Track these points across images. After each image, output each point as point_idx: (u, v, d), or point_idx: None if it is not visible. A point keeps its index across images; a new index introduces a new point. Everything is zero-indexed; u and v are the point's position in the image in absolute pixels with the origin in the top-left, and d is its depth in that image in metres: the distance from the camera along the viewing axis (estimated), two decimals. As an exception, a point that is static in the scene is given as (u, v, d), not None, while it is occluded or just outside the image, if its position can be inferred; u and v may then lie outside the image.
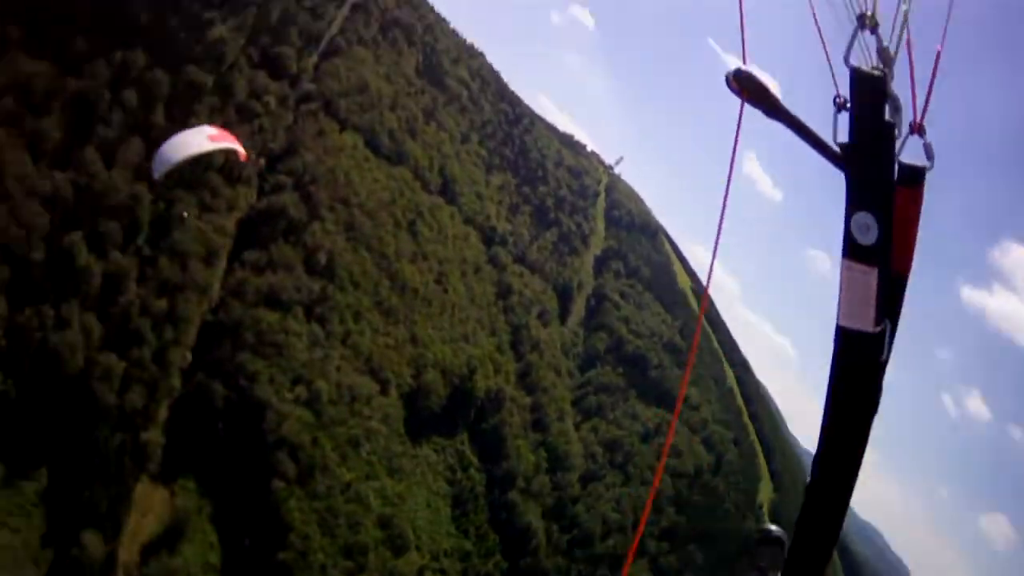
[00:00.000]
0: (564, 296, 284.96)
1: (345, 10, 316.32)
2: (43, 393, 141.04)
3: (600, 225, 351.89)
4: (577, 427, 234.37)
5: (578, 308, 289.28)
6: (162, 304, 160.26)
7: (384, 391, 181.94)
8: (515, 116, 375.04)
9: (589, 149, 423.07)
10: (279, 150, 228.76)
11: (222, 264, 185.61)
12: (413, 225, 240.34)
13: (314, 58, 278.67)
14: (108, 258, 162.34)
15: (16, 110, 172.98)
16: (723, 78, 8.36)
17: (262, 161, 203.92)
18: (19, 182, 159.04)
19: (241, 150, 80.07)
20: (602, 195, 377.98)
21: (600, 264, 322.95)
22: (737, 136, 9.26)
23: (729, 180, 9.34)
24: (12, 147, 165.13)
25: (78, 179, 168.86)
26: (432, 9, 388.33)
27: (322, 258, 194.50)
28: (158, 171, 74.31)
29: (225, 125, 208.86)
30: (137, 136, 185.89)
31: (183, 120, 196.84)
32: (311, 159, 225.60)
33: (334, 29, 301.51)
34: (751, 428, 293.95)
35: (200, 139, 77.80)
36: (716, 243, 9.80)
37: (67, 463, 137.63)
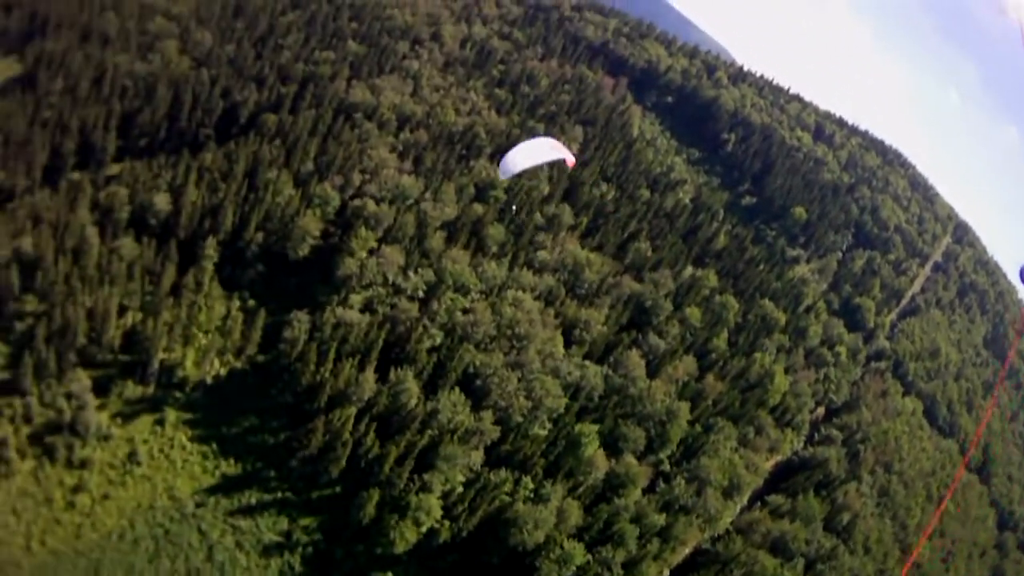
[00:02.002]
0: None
1: (927, 269, 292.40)
2: (477, 546, 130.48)
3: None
4: None
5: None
6: (659, 519, 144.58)
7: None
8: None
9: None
10: (839, 403, 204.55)
11: (741, 501, 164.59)
12: (942, 501, 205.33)
13: (892, 315, 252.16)
14: (620, 459, 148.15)
15: (561, 295, 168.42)
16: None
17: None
18: (542, 359, 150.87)
19: (571, 159, 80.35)
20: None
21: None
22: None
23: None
24: (546, 325, 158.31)
25: (613, 377, 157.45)
26: (1004, 275, 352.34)
27: (845, 518, 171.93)
28: (505, 174, 77.73)
29: (791, 368, 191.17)
30: (692, 356, 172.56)
31: (747, 353, 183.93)
32: (868, 418, 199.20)
33: (916, 287, 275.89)
34: None
35: (544, 149, 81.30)
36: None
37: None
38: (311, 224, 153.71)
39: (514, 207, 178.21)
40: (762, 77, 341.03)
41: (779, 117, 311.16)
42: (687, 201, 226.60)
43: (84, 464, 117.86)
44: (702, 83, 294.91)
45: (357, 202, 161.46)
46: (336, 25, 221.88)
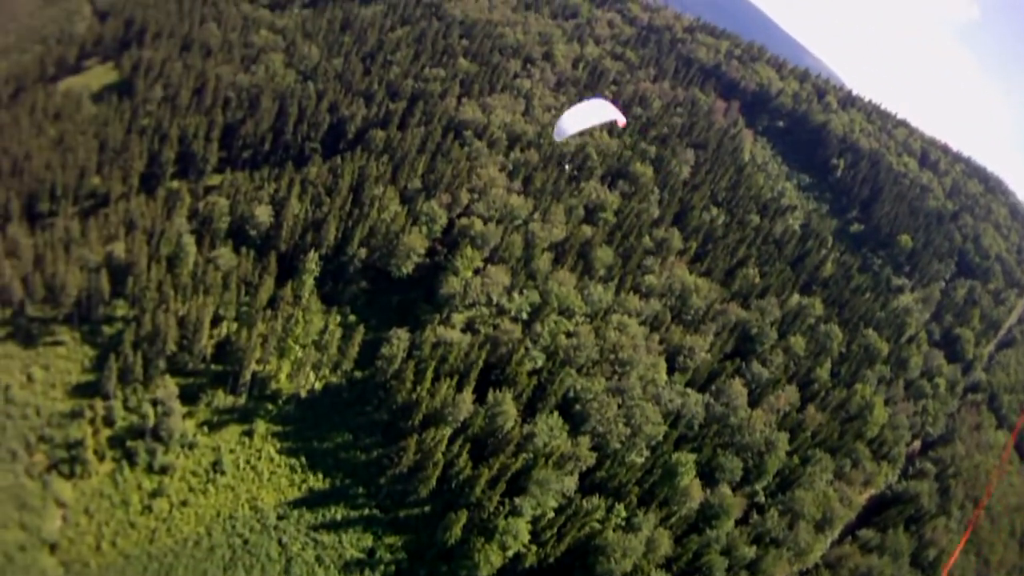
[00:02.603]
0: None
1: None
2: (563, 573, 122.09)
3: None
4: None
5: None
6: (749, 552, 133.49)
7: None
8: None
9: None
10: (934, 436, 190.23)
11: (832, 534, 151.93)
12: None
13: (990, 346, 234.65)
14: (715, 489, 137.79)
15: (667, 320, 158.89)
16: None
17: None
18: (643, 385, 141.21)
19: (622, 119, 79.17)
20: None
21: None
22: None
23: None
24: (650, 351, 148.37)
25: (714, 405, 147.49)
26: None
27: (931, 554, 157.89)
28: (559, 136, 77.59)
29: (890, 400, 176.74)
30: (794, 386, 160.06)
31: (849, 383, 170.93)
32: (962, 452, 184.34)
33: (1013, 318, 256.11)
34: None
35: (596, 112, 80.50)
36: None
37: None
38: (416, 242, 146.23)
39: (567, 165, 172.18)
40: (870, 102, 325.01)
41: (886, 143, 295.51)
42: (796, 227, 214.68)
43: (165, 470, 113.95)
44: (812, 107, 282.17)
45: (464, 221, 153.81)
46: (446, 42, 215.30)
